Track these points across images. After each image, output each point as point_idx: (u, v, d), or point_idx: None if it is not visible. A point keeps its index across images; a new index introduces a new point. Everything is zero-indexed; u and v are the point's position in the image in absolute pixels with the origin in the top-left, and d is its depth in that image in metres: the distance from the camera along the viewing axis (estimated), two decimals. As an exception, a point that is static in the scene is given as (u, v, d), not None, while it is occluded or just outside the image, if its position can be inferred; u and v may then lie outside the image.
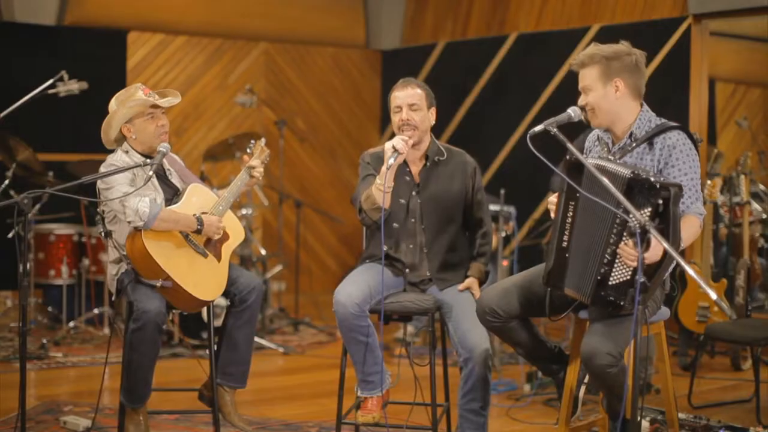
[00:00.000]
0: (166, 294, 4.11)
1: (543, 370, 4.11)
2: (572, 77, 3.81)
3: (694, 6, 6.91)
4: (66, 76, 5.98)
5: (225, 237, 4.33)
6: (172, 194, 4.30)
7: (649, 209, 3.31)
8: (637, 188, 3.33)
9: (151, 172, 3.93)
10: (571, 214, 3.56)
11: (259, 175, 4.47)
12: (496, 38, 8.43)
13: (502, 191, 6.11)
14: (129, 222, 4.04)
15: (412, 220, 4.25)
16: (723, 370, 6.15)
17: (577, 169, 3.53)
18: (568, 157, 3.55)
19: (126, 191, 4.03)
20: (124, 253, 4.13)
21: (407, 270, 4.25)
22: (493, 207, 5.67)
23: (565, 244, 3.58)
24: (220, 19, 8.65)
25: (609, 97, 3.64)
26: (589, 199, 3.36)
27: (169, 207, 4.19)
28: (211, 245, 4.27)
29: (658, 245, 3.27)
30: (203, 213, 4.25)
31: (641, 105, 3.70)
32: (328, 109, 9.34)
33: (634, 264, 3.30)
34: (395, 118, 4.19)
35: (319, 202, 9.11)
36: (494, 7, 8.56)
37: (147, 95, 4.18)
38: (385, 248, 4.17)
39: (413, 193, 4.26)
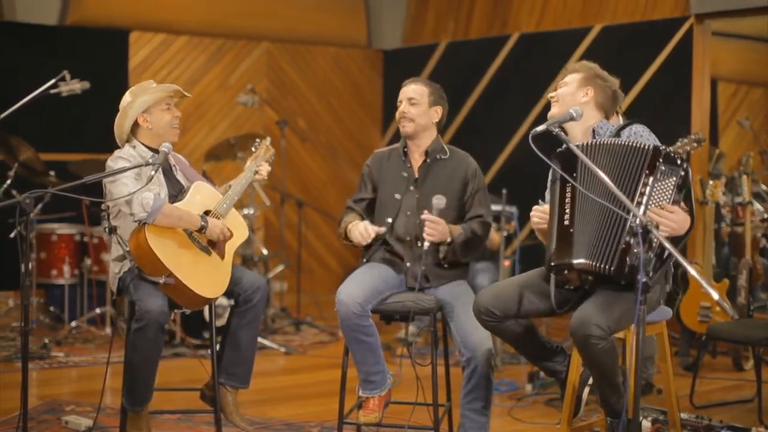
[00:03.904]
0: (169, 291, 4.09)
1: (545, 371, 4.11)
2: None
3: (695, 6, 6.90)
4: (68, 76, 5.97)
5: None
6: (177, 191, 4.27)
7: (674, 179, 3.45)
8: (663, 159, 3.47)
9: (153, 172, 3.90)
10: (569, 195, 3.60)
11: (265, 173, 4.47)
12: (498, 38, 8.43)
13: (504, 191, 6.11)
14: (132, 215, 4.01)
15: (408, 213, 4.27)
16: (725, 370, 6.15)
17: (572, 153, 3.59)
18: (561, 149, 3.64)
19: (130, 186, 4.00)
20: (128, 249, 4.08)
21: (407, 264, 4.25)
22: (494, 207, 5.67)
23: (566, 222, 3.58)
24: (222, 19, 8.65)
25: (577, 97, 3.84)
26: (591, 171, 3.42)
27: (172, 204, 4.16)
28: (215, 242, 4.25)
29: (681, 212, 3.43)
30: (206, 211, 4.23)
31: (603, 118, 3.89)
32: (330, 109, 9.34)
33: (668, 229, 3.40)
34: (397, 112, 4.36)
35: (320, 201, 9.11)
36: (496, 7, 8.55)
37: None
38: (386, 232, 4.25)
39: (411, 187, 4.29)
